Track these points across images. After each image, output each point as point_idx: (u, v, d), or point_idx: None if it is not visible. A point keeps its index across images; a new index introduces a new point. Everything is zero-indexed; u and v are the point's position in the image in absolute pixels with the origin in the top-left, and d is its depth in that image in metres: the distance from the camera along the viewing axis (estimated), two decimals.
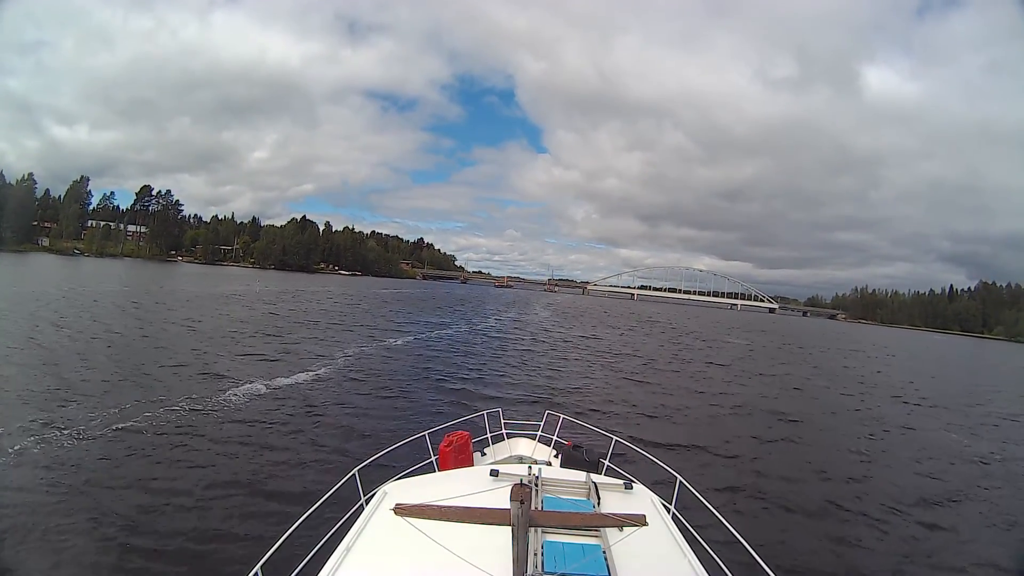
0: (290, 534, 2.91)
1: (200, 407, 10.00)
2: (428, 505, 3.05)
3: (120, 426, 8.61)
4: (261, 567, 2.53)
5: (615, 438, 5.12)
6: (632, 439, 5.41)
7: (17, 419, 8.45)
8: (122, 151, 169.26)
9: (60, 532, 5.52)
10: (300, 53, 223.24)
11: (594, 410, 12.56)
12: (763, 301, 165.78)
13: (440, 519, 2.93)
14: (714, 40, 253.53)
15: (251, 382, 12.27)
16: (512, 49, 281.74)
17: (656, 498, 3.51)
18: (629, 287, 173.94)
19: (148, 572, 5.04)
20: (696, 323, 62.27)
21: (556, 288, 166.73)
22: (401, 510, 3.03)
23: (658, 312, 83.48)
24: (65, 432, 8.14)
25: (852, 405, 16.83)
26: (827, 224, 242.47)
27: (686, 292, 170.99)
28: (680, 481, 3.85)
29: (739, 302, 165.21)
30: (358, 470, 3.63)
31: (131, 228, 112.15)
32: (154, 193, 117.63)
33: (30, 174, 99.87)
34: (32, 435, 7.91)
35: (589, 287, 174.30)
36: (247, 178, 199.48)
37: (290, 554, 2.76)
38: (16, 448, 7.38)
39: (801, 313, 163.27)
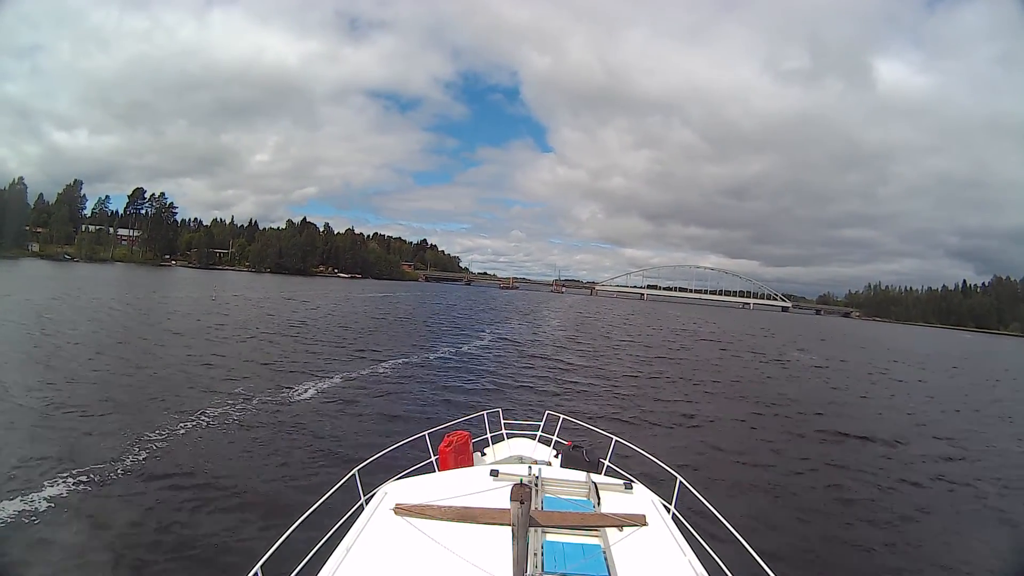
0: (290, 534, 2.89)
1: (187, 415, 9.89)
2: (428, 505, 3.05)
3: (115, 432, 8.56)
4: (261, 567, 2.52)
5: (615, 438, 5.12)
6: (632, 439, 5.38)
7: None
8: (122, 156, 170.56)
9: (59, 532, 5.52)
10: (299, 52, 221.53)
11: (594, 411, 12.52)
12: (775, 299, 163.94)
13: (440, 519, 2.93)
14: (723, 32, 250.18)
15: (239, 389, 12.18)
16: (516, 44, 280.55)
17: (656, 498, 3.51)
18: (637, 287, 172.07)
19: (149, 572, 5.03)
20: (735, 328, 54.14)
21: (563, 289, 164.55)
22: (401, 510, 3.02)
23: (677, 315, 77.82)
24: (59, 437, 8.11)
25: None
26: (834, 221, 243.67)
27: (697, 292, 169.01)
28: (680, 481, 3.85)
29: (751, 301, 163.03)
30: (358, 470, 3.62)
31: (124, 232, 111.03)
32: (147, 196, 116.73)
33: (20, 178, 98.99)
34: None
35: (597, 288, 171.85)
36: (249, 181, 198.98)
37: (290, 554, 2.74)
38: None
39: (814, 311, 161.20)
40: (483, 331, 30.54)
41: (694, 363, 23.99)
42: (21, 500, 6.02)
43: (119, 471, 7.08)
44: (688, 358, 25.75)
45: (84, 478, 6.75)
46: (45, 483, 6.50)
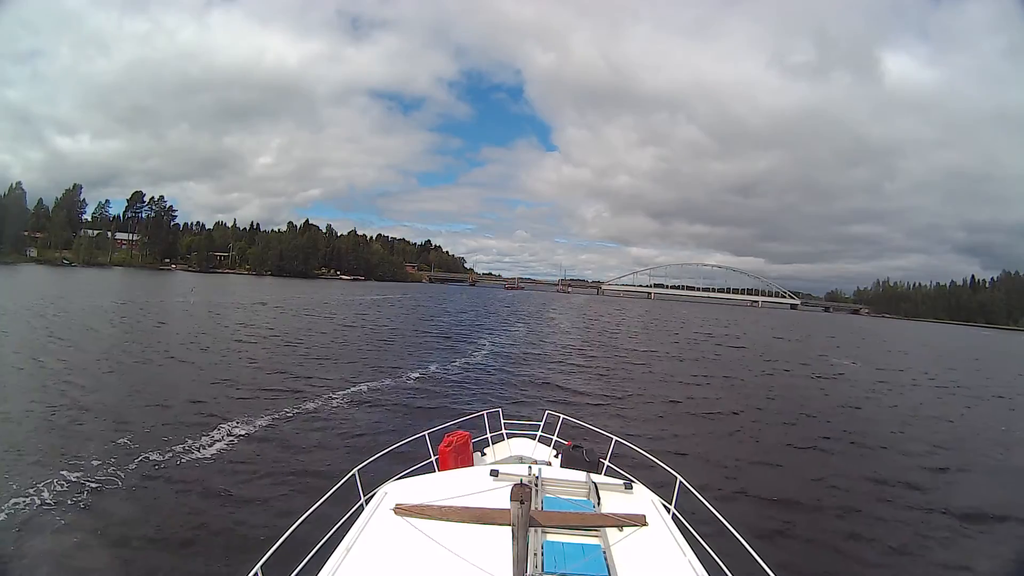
0: (290, 534, 2.90)
1: (193, 418, 9.90)
2: (428, 505, 3.05)
3: (117, 434, 8.58)
4: (261, 567, 2.53)
5: (615, 438, 5.13)
6: (632, 439, 5.38)
7: None
8: (125, 160, 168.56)
9: (61, 532, 5.54)
10: (301, 53, 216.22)
11: (594, 410, 12.50)
12: (784, 297, 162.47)
13: (440, 519, 2.93)
14: (728, 27, 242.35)
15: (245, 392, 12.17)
16: (520, 41, 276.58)
17: (656, 498, 3.51)
18: (643, 286, 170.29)
19: (149, 571, 5.04)
20: (762, 331, 51.00)
21: (570, 289, 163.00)
22: (401, 510, 3.03)
23: (689, 314, 74.19)
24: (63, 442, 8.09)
25: None
26: (841, 217, 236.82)
27: (704, 290, 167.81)
28: (680, 481, 3.85)
29: (760, 299, 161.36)
30: (358, 470, 3.62)
31: (123, 236, 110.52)
32: (146, 200, 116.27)
33: (19, 183, 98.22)
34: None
35: (604, 287, 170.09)
36: (253, 185, 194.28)
37: (290, 554, 2.74)
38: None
39: (823, 309, 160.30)
40: (483, 338, 27.45)
41: (703, 365, 23.62)
42: (21, 502, 6.02)
43: (119, 473, 7.07)
44: (704, 366, 23.69)
45: (84, 480, 6.76)
46: (45, 485, 6.49)
